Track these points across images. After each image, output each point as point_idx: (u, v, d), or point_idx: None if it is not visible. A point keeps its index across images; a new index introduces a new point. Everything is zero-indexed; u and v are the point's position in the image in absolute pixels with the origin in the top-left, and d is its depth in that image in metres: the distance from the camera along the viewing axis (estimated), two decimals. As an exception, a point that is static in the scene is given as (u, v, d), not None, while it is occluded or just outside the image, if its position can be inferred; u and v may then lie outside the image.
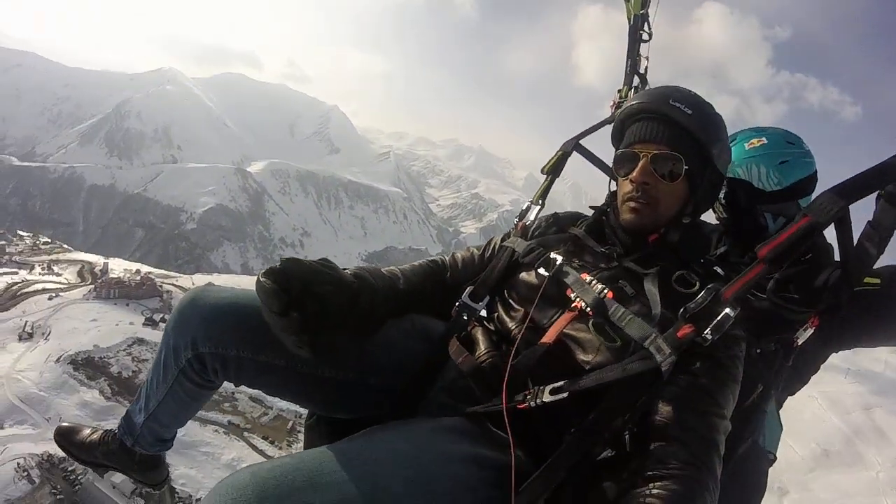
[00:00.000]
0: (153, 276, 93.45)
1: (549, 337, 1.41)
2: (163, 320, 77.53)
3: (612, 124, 1.69)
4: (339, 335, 1.32)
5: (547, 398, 1.28)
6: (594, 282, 1.47)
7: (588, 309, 1.41)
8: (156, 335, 72.61)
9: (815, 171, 1.87)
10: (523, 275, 1.59)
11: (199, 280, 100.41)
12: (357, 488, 1.00)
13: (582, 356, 1.37)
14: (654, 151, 1.49)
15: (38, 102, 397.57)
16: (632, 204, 1.51)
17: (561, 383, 1.29)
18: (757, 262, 1.27)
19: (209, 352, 1.38)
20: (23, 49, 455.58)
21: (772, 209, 1.89)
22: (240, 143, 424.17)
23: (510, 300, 1.58)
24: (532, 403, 1.29)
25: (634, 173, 1.50)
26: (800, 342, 1.64)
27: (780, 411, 2.01)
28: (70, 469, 49.39)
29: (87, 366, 63.94)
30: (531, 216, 1.86)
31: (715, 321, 1.25)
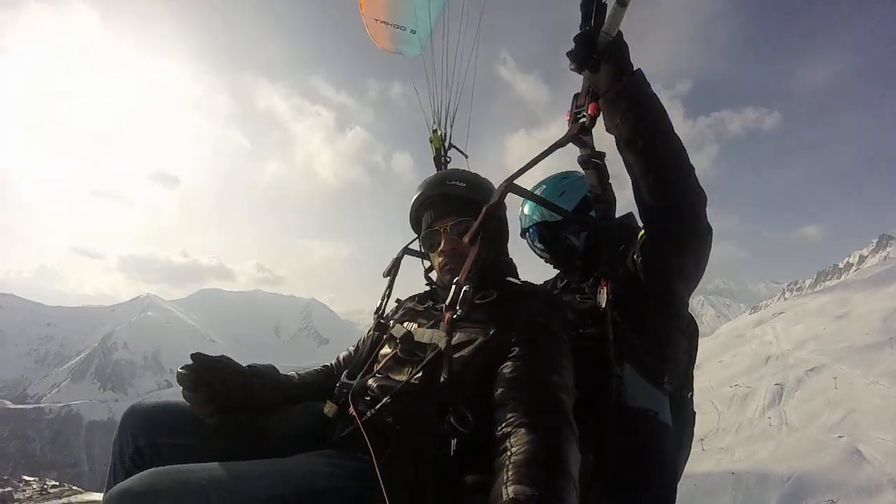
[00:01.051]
0: None
1: (373, 370, 1.80)
2: None
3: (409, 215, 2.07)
4: (240, 411, 1.62)
5: (375, 408, 1.61)
6: (414, 327, 1.83)
7: (397, 342, 1.75)
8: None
9: (588, 194, 2.10)
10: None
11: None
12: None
13: (397, 376, 1.70)
14: (450, 223, 1.87)
15: (24, 343, 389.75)
16: (447, 266, 1.87)
17: (385, 399, 1.61)
18: (470, 243, 1.68)
19: (146, 443, 1.55)
20: (1, 291, 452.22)
21: (572, 230, 2.25)
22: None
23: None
24: (369, 412, 1.61)
25: (442, 245, 1.88)
26: (602, 304, 1.81)
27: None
28: None
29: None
30: (386, 307, 2.12)
31: (457, 300, 1.61)
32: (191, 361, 1.58)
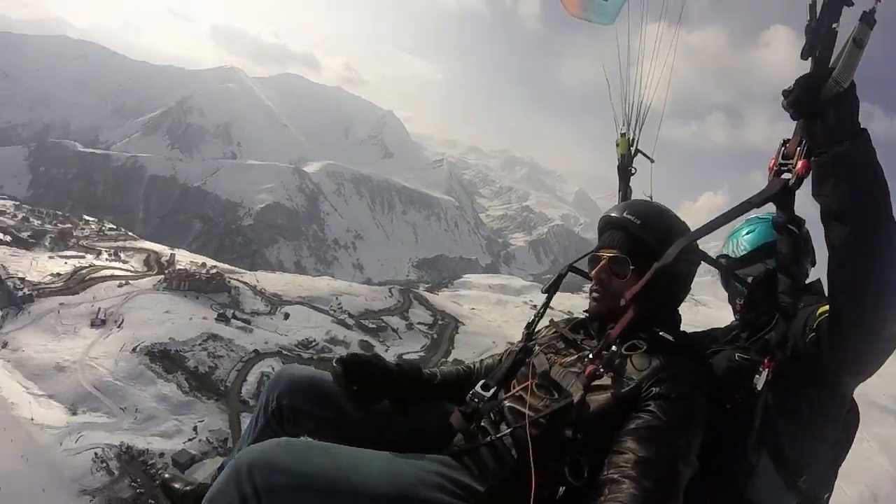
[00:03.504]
0: (222, 272, 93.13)
1: (507, 390, 1.88)
2: (234, 317, 76.50)
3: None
4: (382, 403, 1.83)
5: (498, 435, 1.71)
6: (556, 359, 1.86)
7: (536, 372, 1.81)
8: (229, 332, 71.43)
9: (773, 241, 1.99)
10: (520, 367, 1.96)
11: (263, 278, 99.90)
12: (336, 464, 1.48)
13: (527, 406, 1.72)
14: (609, 255, 1.88)
15: (103, 92, 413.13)
16: (593, 295, 1.89)
17: (508, 428, 1.71)
18: (625, 306, 1.66)
19: (287, 404, 1.84)
20: (87, 39, 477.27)
21: (743, 271, 2.14)
22: (297, 144, 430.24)
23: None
24: (489, 438, 1.72)
25: (594, 272, 1.90)
26: (759, 387, 1.66)
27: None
28: (150, 462, 47.82)
29: (164, 358, 63.47)
30: (537, 324, 2.16)
31: (606, 357, 1.63)
32: (345, 354, 1.81)
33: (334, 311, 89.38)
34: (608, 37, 2.78)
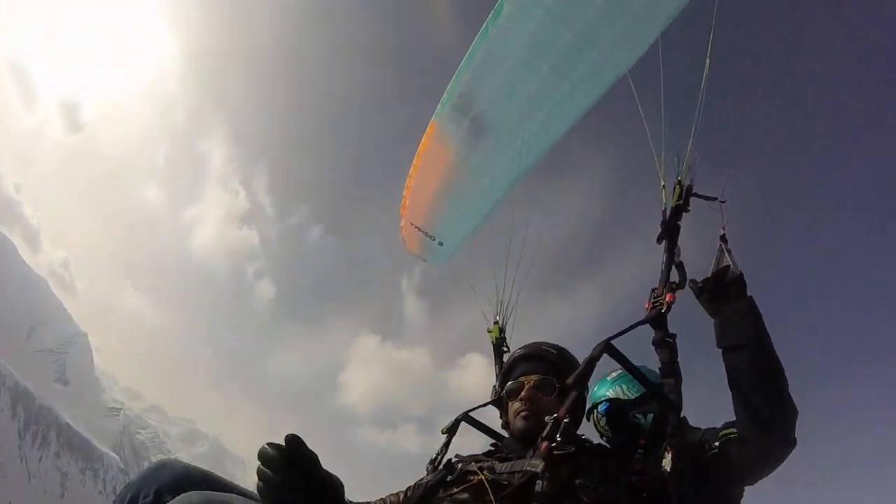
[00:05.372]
0: None
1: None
2: None
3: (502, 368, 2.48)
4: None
5: None
6: (492, 464, 1.97)
7: (480, 471, 1.91)
8: None
9: (659, 383, 2.31)
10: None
11: None
12: None
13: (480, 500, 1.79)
14: (535, 378, 2.19)
15: None
16: (522, 413, 2.13)
17: None
18: (569, 389, 1.92)
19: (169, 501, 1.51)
20: None
21: (642, 409, 2.51)
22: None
23: None
24: None
25: (522, 393, 2.16)
26: (667, 468, 2.00)
27: None
28: None
29: None
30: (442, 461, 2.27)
31: (556, 432, 1.75)
32: (283, 443, 1.46)
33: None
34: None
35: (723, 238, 2.37)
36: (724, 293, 2.20)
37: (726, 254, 2.32)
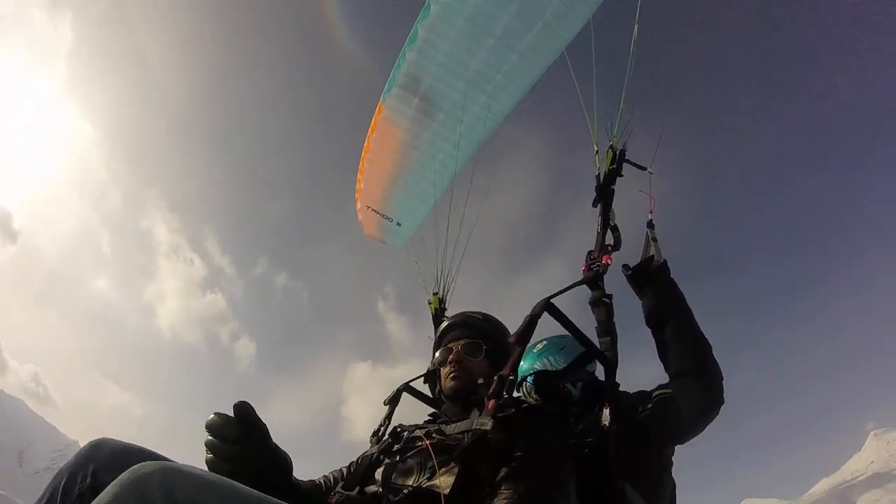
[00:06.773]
0: None
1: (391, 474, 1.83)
2: None
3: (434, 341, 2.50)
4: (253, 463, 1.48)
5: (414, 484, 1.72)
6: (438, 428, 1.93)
7: (427, 436, 1.89)
8: None
9: (584, 350, 2.45)
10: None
11: None
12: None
13: (402, 481, 1.78)
14: (462, 342, 2.25)
15: None
16: (452, 375, 2.16)
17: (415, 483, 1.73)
18: (514, 346, 1.94)
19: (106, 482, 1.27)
20: None
21: (570, 379, 2.61)
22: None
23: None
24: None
25: (451, 356, 2.21)
26: (606, 423, 2.13)
27: None
28: None
29: None
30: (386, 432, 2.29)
31: (502, 389, 1.78)
32: (233, 411, 1.42)
33: None
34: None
35: (649, 224, 2.52)
36: (649, 278, 2.40)
37: (652, 243, 2.48)
